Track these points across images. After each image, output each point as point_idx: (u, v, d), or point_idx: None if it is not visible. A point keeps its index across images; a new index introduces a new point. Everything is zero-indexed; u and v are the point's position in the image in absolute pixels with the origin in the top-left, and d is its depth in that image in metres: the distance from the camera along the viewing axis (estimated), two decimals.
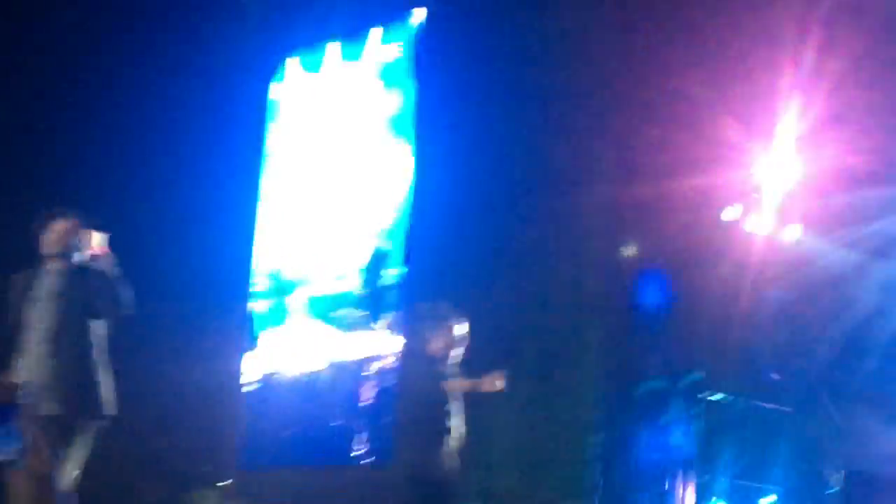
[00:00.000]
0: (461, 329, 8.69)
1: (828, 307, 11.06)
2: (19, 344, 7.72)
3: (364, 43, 12.70)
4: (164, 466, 11.82)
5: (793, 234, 11.46)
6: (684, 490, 10.82)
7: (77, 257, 7.84)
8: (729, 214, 11.42)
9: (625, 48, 11.05)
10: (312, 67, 13.26)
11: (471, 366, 8.83)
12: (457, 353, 8.68)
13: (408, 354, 9.55)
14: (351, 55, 12.85)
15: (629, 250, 11.43)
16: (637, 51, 11.08)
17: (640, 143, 11.15)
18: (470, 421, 9.38)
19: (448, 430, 8.57)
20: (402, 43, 12.29)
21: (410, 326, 9.26)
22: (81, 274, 7.82)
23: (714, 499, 10.74)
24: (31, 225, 7.95)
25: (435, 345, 8.69)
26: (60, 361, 7.59)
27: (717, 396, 11.31)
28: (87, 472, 7.73)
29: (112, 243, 8.13)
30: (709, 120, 10.92)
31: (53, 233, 7.86)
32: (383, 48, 12.49)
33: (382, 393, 11.07)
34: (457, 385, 8.52)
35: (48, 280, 7.81)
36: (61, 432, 7.45)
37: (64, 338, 7.67)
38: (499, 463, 10.81)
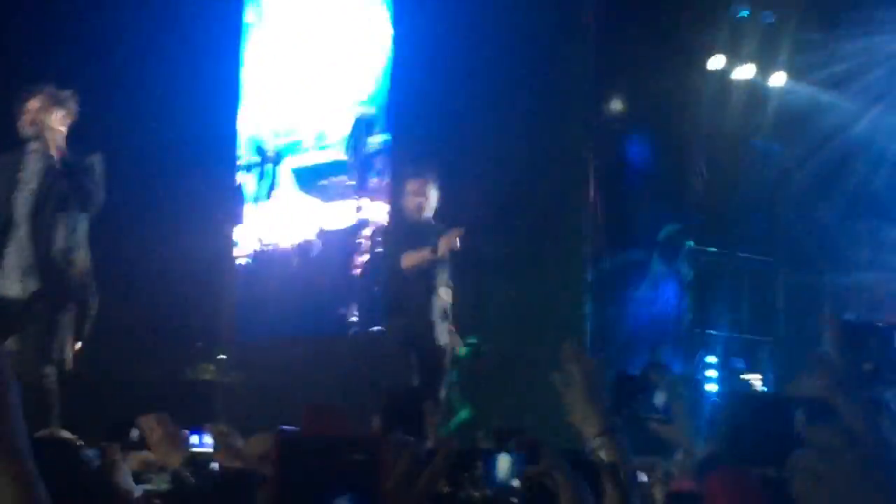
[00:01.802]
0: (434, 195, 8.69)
1: (819, 158, 11.05)
2: None
3: None
4: (160, 342, 11.83)
5: (778, 80, 11.40)
6: (678, 346, 10.89)
7: (56, 140, 7.74)
8: (714, 63, 11.33)
9: None
10: None
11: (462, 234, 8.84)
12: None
13: (396, 223, 9.55)
14: None
15: (612, 106, 11.35)
16: None
17: None
18: (461, 286, 9.44)
19: (433, 298, 8.61)
20: None
21: (398, 195, 9.25)
22: (61, 163, 7.73)
23: (707, 354, 10.82)
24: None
25: (421, 213, 8.69)
26: (37, 245, 7.56)
27: (708, 249, 11.35)
28: (83, 350, 7.79)
29: (92, 122, 8.05)
30: None
31: (28, 112, 7.74)
32: None
33: (373, 261, 11.06)
34: (416, 257, 8.53)
35: (28, 165, 7.71)
36: (33, 322, 7.47)
37: (41, 222, 7.62)
38: (492, 328, 10.82)
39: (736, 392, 9.96)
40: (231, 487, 3.60)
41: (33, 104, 7.72)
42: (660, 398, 2.80)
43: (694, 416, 2.77)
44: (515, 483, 3.19)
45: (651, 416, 2.81)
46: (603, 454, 2.95)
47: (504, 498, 3.12)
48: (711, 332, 11.12)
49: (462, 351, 9.53)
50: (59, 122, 7.74)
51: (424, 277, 8.60)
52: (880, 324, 2.67)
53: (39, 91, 7.76)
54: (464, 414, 9.83)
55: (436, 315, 8.64)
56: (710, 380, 10.57)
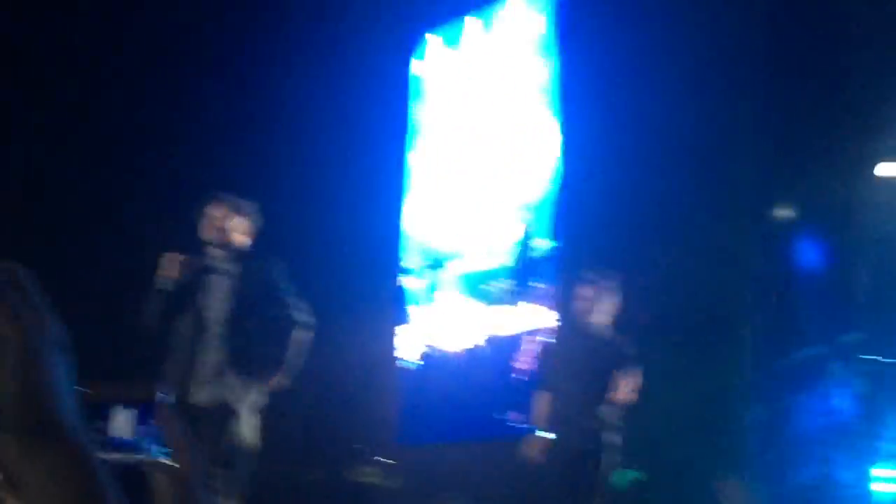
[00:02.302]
0: (614, 300, 8.73)
1: None
2: (170, 335, 7.81)
3: (504, 13, 12.66)
4: (323, 446, 11.92)
5: None
6: (848, 457, 10.65)
7: (238, 247, 7.92)
8: (884, 170, 11.19)
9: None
10: (453, 42, 13.24)
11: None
12: (609, 322, 8.73)
13: (564, 328, 9.55)
14: (491, 26, 12.81)
15: (782, 211, 11.27)
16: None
17: (790, 98, 10.99)
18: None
19: (596, 402, 8.61)
20: (545, 11, 12.21)
21: (565, 300, 9.29)
22: (245, 265, 7.89)
23: (880, 464, 10.57)
24: (188, 214, 8.07)
25: (590, 317, 8.73)
26: (220, 354, 7.69)
27: (881, 359, 11.13)
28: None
29: (263, 228, 8.21)
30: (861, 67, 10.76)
31: (212, 219, 7.93)
32: (526, 18, 12.41)
33: (540, 366, 11.04)
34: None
35: (209, 269, 7.87)
36: (213, 428, 7.55)
37: (225, 330, 7.75)
38: (655, 435, 10.74)
39: None
40: None
41: (217, 212, 7.92)
42: None
43: None
44: None
45: None
46: None
47: None
48: (884, 444, 10.89)
49: (621, 481, 9.52)
50: (242, 230, 7.93)
51: (581, 385, 8.61)
52: None
53: (223, 199, 7.96)
54: None
55: (591, 423, 8.60)
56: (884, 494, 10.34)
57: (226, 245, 7.90)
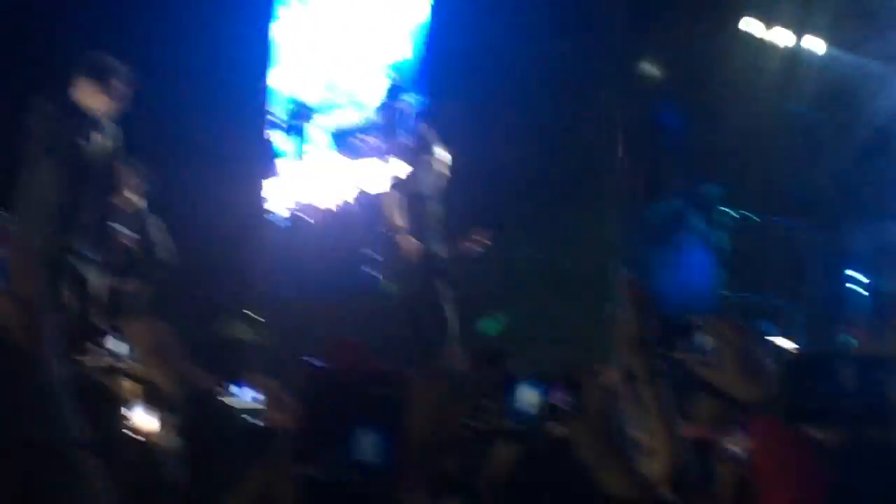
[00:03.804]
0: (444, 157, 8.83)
1: (844, 118, 11.01)
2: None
3: None
4: (192, 302, 11.87)
5: (813, 44, 11.34)
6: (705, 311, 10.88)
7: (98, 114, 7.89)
8: (748, 25, 11.29)
9: None
10: None
11: (495, 195, 8.94)
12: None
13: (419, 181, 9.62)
14: None
15: (644, 68, 11.34)
16: None
17: None
18: (491, 249, 9.53)
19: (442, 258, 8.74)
20: None
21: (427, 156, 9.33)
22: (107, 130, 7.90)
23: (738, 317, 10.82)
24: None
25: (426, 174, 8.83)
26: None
27: (740, 212, 11.35)
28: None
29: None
30: None
31: (78, 87, 7.89)
32: None
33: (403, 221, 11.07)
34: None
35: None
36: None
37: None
38: (520, 291, 10.86)
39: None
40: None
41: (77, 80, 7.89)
42: (703, 340, 2.78)
43: (741, 360, 2.75)
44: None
45: (696, 356, 2.80)
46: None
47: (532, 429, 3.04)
48: (742, 294, 11.13)
49: (487, 326, 9.65)
50: (107, 98, 7.90)
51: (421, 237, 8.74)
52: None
53: (82, 69, 7.91)
54: None
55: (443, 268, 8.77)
56: None
57: (88, 111, 7.89)
